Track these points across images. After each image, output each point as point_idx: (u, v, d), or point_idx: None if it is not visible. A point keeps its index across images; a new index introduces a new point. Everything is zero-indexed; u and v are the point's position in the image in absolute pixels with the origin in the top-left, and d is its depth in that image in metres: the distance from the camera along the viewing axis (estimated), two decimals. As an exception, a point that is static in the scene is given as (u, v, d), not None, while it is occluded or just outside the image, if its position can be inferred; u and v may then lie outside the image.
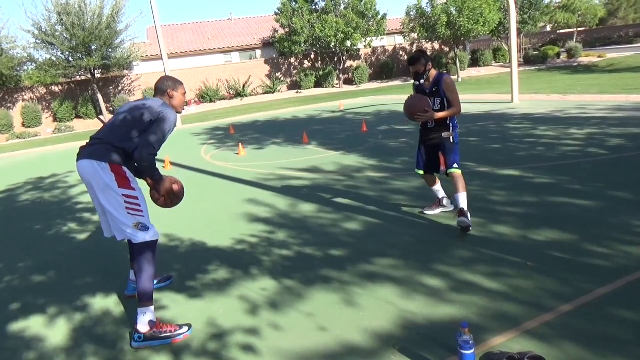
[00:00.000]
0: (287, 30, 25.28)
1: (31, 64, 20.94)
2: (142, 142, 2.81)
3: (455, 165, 4.07)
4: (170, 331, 2.79)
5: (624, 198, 4.34)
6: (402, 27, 26.09)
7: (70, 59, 19.58)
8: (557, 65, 25.68)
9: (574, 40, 31.07)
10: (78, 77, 21.55)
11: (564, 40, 31.40)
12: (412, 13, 23.96)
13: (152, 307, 2.84)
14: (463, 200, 3.96)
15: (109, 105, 21.89)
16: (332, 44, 24.33)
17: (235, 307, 3.13)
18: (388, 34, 28.04)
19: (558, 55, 27.79)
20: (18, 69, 20.97)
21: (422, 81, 4.13)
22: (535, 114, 10.08)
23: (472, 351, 2.18)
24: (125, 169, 2.83)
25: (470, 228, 3.91)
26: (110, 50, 20.10)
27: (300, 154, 8.69)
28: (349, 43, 24.65)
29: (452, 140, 4.13)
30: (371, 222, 4.51)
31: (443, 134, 4.13)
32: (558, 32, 34.69)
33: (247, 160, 8.70)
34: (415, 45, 27.61)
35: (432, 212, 4.50)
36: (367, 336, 2.61)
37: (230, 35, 30.00)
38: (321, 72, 26.02)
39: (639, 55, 23.82)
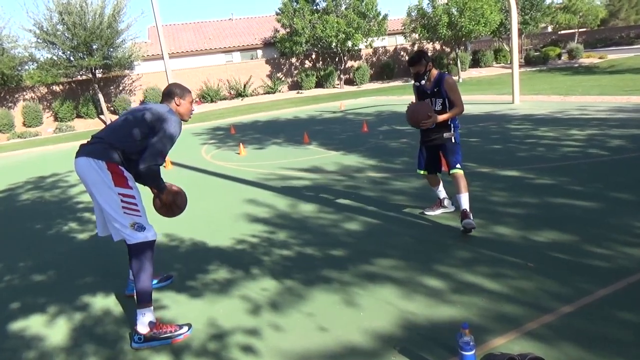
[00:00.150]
0: (288, 30, 25.28)
1: (32, 64, 20.97)
2: (147, 154, 2.80)
3: (458, 166, 4.05)
4: (170, 331, 2.79)
5: (625, 199, 4.34)
6: (403, 27, 26.10)
7: (72, 58, 19.60)
8: (558, 66, 25.66)
9: (575, 41, 31.05)
10: (79, 76, 21.58)
11: (565, 41, 31.41)
12: (413, 13, 23.95)
13: (152, 308, 2.84)
14: (465, 201, 3.94)
15: (109, 105, 21.91)
16: (333, 44, 24.32)
17: (235, 307, 3.13)
18: (389, 35, 28.05)
19: (559, 56, 27.79)
20: (19, 68, 21.00)
21: (422, 82, 4.06)
22: (536, 115, 10.07)
23: (472, 352, 2.18)
24: (122, 168, 2.81)
25: (474, 225, 3.88)
26: (111, 49, 20.12)
27: (301, 154, 8.69)
28: (350, 43, 24.66)
29: (453, 141, 4.11)
30: (371, 222, 4.51)
31: (444, 135, 4.10)
32: (559, 33, 34.69)
33: (247, 160, 8.70)
34: (416, 46, 27.60)
35: (433, 213, 4.50)
36: (367, 337, 2.61)
37: (231, 35, 30.01)
38: (322, 73, 26.02)
39: (640, 56, 23.80)
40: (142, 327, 2.76)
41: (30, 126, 20.48)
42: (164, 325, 2.81)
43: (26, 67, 21.65)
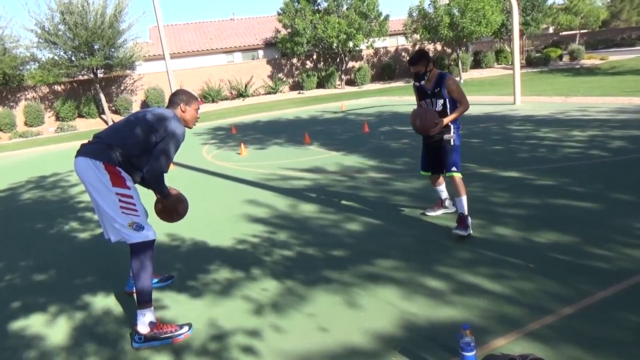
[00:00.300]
0: (289, 30, 25.28)
1: (34, 63, 21.00)
2: (151, 162, 2.81)
3: (454, 169, 4.00)
4: (171, 331, 2.79)
5: (626, 200, 4.33)
6: (404, 28, 26.10)
7: (73, 58, 19.62)
8: (559, 67, 25.65)
9: (577, 42, 31.04)
10: (80, 76, 21.60)
11: (566, 42, 31.36)
12: (414, 14, 23.95)
13: (152, 308, 2.84)
14: (462, 205, 3.90)
15: (111, 105, 21.95)
16: (335, 44, 24.34)
17: (236, 307, 3.13)
18: (390, 35, 28.06)
19: (560, 57, 27.77)
20: (21, 68, 21.05)
21: (423, 82, 4.04)
22: (537, 116, 10.07)
23: (473, 353, 2.18)
24: (119, 169, 2.80)
25: (465, 234, 3.79)
26: (112, 49, 20.14)
27: (302, 154, 8.69)
28: (351, 44, 24.67)
29: (452, 143, 4.08)
30: (372, 222, 4.51)
31: (444, 136, 4.06)
32: (560, 34, 34.65)
33: (248, 160, 8.70)
34: (417, 46, 27.60)
35: (434, 213, 4.49)
36: (368, 337, 2.61)
37: (233, 35, 30.03)
38: (323, 73, 26.04)
39: (641, 57, 23.78)
40: (143, 327, 2.76)
41: (31, 126, 20.52)
42: (164, 325, 2.81)
43: (28, 67, 21.70)
